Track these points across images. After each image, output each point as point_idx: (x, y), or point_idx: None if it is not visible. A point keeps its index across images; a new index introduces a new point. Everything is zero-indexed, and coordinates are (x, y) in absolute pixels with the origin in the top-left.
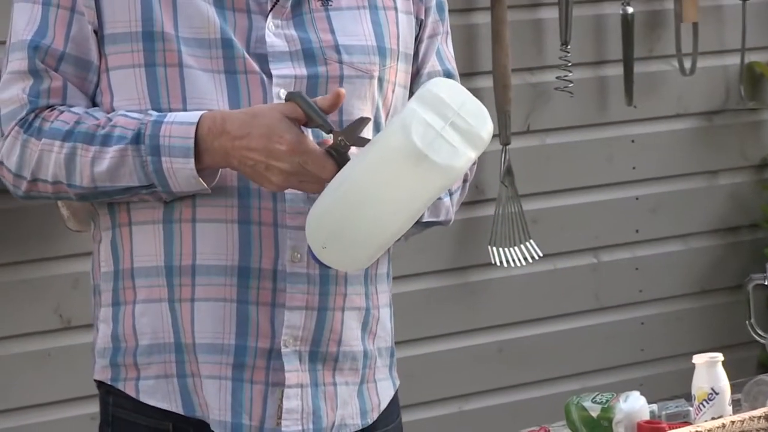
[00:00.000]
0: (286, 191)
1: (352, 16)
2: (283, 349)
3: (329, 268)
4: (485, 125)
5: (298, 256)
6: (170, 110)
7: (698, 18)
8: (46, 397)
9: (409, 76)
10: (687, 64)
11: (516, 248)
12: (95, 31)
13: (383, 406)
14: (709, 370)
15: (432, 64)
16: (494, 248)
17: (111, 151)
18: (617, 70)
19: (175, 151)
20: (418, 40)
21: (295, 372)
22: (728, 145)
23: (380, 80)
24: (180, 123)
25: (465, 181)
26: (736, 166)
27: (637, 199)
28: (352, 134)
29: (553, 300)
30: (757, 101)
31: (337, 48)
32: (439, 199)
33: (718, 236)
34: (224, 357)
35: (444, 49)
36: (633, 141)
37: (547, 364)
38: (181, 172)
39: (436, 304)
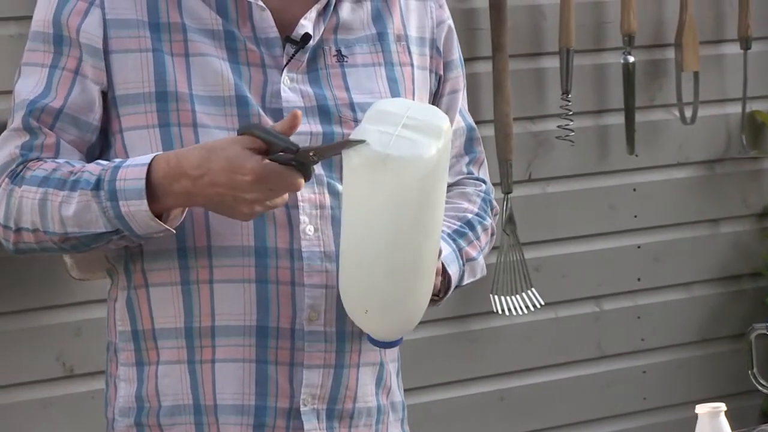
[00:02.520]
0: (303, 249)
1: (367, 73)
2: (302, 408)
3: (345, 325)
4: (438, 117)
5: (315, 314)
6: None
7: (699, 67)
8: None
9: None
10: (688, 113)
11: (518, 296)
12: (103, 92)
13: None
14: (712, 420)
15: (456, 120)
16: (496, 296)
17: (77, 196)
18: (618, 119)
19: (129, 194)
20: (438, 96)
21: (314, 431)
22: (730, 194)
23: None
24: (135, 165)
25: (492, 234)
26: (737, 214)
27: (638, 247)
28: (325, 152)
29: (555, 348)
30: (758, 150)
31: (352, 106)
32: (474, 259)
33: (720, 285)
34: (245, 418)
35: (463, 104)
36: (634, 189)
37: (549, 412)
38: (138, 214)
39: (437, 352)
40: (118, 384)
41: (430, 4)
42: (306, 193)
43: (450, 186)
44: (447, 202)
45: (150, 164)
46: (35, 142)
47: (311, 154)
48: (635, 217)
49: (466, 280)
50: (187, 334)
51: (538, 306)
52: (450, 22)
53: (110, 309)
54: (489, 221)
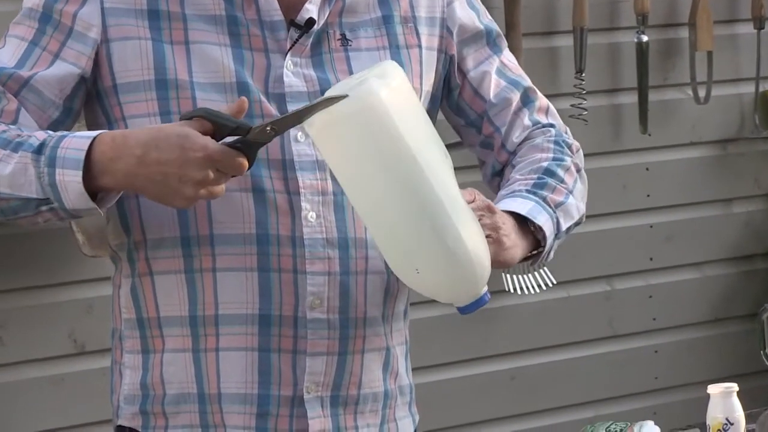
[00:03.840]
0: (304, 236)
1: (371, 57)
2: (306, 396)
3: (348, 312)
4: (384, 64)
5: (318, 301)
6: None
7: (713, 46)
8: (60, 422)
9: (432, 115)
10: (701, 93)
11: (530, 275)
12: (84, 78)
13: None
14: (725, 400)
15: (495, 84)
16: (508, 275)
17: (17, 157)
18: (632, 98)
19: (67, 163)
20: (463, 72)
21: (318, 418)
22: (742, 174)
23: None
24: (80, 137)
25: (578, 170)
26: (750, 194)
27: (651, 227)
28: (282, 124)
29: (567, 327)
30: None
31: None
32: (563, 203)
33: (732, 264)
34: (248, 407)
35: (506, 64)
36: (647, 169)
37: (560, 391)
38: (71, 185)
39: (449, 330)
40: (123, 371)
41: None
42: (308, 180)
43: (519, 144)
44: (520, 161)
45: (95, 139)
46: None
47: (268, 129)
48: (648, 196)
49: (565, 225)
50: (192, 323)
51: (550, 285)
52: None
53: (114, 296)
54: (569, 160)
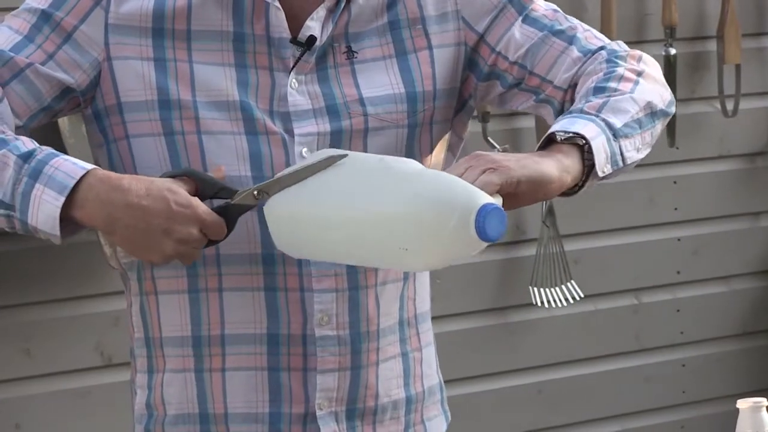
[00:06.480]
0: None
1: (377, 68)
2: (318, 413)
3: (359, 327)
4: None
5: (326, 318)
6: None
7: (741, 60)
8: None
9: (452, 109)
10: (729, 106)
11: (557, 289)
12: (71, 89)
13: None
14: (754, 415)
15: (528, 36)
16: (535, 288)
17: None
18: None
19: (52, 183)
20: (490, 48)
21: None
22: None
23: (411, 127)
24: (74, 163)
25: (639, 74)
26: None
27: (678, 240)
28: (272, 188)
29: (594, 341)
30: None
31: (361, 101)
32: (606, 103)
33: (760, 278)
34: (259, 426)
35: (536, 17)
36: (675, 182)
37: (587, 405)
38: (46, 206)
39: (476, 344)
40: (135, 390)
41: None
42: None
43: (573, 78)
44: (576, 96)
45: (88, 171)
46: None
47: (255, 193)
48: (675, 209)
49: (621, 121)
50: (195, 343)
51: (578, 298)
52: None
53: (128, 315)
54: (621, 69)
